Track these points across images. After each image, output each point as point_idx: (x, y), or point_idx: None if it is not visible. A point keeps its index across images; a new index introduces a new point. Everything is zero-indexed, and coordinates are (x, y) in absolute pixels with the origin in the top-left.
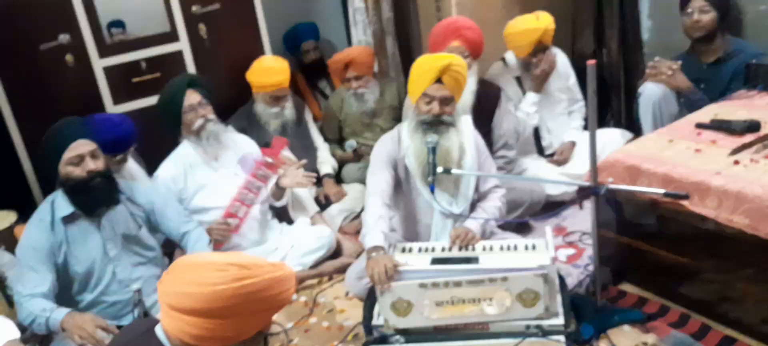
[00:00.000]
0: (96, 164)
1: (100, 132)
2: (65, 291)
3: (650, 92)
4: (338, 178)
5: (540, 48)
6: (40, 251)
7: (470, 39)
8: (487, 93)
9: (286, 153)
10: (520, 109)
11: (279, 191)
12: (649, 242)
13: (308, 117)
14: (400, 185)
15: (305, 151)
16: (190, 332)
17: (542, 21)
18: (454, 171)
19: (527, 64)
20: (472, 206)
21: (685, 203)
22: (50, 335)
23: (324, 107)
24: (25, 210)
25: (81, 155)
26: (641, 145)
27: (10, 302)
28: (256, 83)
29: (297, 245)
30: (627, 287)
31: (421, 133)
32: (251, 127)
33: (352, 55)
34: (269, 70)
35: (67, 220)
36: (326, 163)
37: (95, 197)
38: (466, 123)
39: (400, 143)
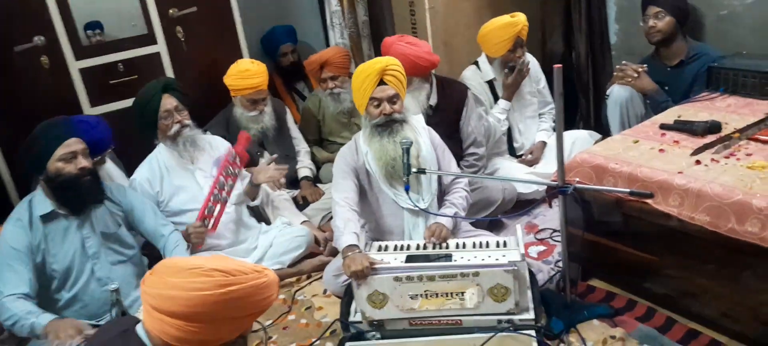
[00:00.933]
0: (87, 162)
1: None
2: (44, 290)
3: (617, 95)
4: (316, 179)
5: (519, 43)
6: (18, 250)
7: (409, 59)
8: (453, 92)
9: (263, 159)
10: (491, 115)
11: (253, 189)
12: (615, 240)
13: (290, 122)
14: (365, 192)
15: (287, 156)
16: (172, 333)
17: (519, 17)
18: (428, 171)
19: (505, 62)
20: (438, 199)
21: (649, 201)
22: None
23: (302, 109)
24: (1, 210)
25: (74, 152)
26: (607, 146)
27: None
28: (234, 87)
29: (275, 244)
30: (595, 283)
31: (378, 136)
32: (230, 132)
33: (326, 56)
34: (246, 73)
35: (46, 218)
36: (304, 167)
37: (83, 194)
38: (417, 120)
39: (358, 152)
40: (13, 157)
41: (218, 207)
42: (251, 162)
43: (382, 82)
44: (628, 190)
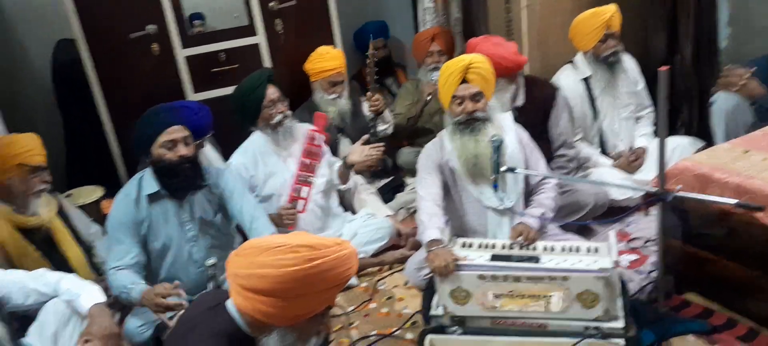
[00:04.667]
0: (187, 150)
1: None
2: (146, 266)
3: (723, 101)
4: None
5: (610, 33)
6: (126, 224)
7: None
8: (542, 93)
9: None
10: None
11: (345, 171)
12: (716, 253)
13: (365, 109)
14: (449, 191)
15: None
16: (264, 310)
17: (609, 6)
18: (517, 170)
19: (596, 56)
20: (525, 199)
21: (758, 215)
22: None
23: (400, 88)
24: (111, 186)
25: (175, 140)
26: (713, 154)
27: (98, 270)
28: (314, 70)
29: (359, 234)
30: (692, 297)
31: (460, 133)
32: (308, 119)
33: (437, 29)
34: (326, 56)
35: (152, 198)
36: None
37: (182, 181)
38: (504, 118)
39: (443, 149)
40: (124, 135)
41: (305, 189)
42: (331, 147)
43: (465, 80)
44: (735, 201)
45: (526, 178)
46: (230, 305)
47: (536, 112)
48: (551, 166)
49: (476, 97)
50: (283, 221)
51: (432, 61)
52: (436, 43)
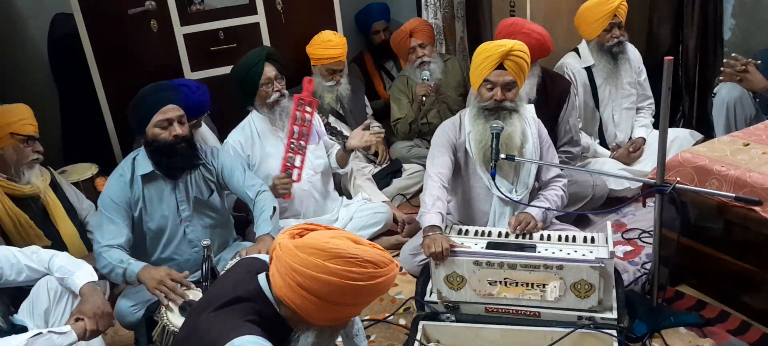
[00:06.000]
0: (182, 130)
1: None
2: (138, 246)
3: (726, 93)
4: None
5: (615, 23)
6: (118, 204)
7: (527, 43)
8: (556, 86)
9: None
10: None
11: (345, 155)
12: (712, 246)
13: (365, 100)
14: (459, 171)
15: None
16: (311, 309)
17: None
18: (517, 158)
19: (601, 44)
20: (532, 195)
21: (756, 209)
22: (124, 283)
23: (391, 92)
24: (106, 164)
25: (170, 119)
26: (713, 147)
27: (89, 245)
28: (316, 55)
29: (355, 218)
30: (685, 289)
31: (483, 119)
32: None
33: (413, 24)
34: (329, 43)
35: (146, 179)
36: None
37: (177, 161)
38: (529, 110)
39: (462, 129)
40: (119, 113)
41: (298, 158)
42: (331, 133)
43: (501, 67)
44: (733, 195)
45: (538, 174)
46: (263, 279)
47: (549, 106)
48: None
49: (509, 86)
50: (278, 191)
51: (417, 57)
52: (416, 38)
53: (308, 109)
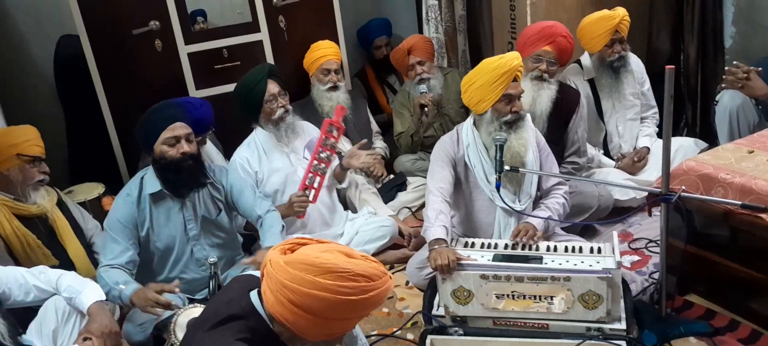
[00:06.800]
0: (190, 147)
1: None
2: (145, 265)
3: (728, 101)
4: (390, 168)
5: (617, 38)
6: (124, 224)
7: (562, 47)
8: (567, 97)
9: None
10: None
11: (342, 172)
12: (720, 254)
13: (369, 114)
14: (460, 185)
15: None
16: (304, 325)
17: (617, 10)
18: (522, 170)
19: (603, 58)
20: (535, 203)
21: (763, 216)
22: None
23: (393, 106)
24: (112, 183)
25: (177, 137)
26: (717, 155)
27: (97, 265)
28: (308, 61)
29: (361, 232)
30: (694, 299)
31: (506, 132)
32: (304, 114)
33: (412, 41)
34: (315, 46)
35: (154, 198)
36: (378, 148)
37: (184, 178)
38: (527, 120)
39: (460, 143)
40: (125, 132)
41: (318, 179)
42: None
43: (514, 79)
44: (739, 202)
45: (539, 182)
46: (255, 297)
47: (560, 115)
48: (559, 172)
49: (521, 95)
50: (294, 209)
51: (415, 74)
52: (414, 55)
53: (335, 134)
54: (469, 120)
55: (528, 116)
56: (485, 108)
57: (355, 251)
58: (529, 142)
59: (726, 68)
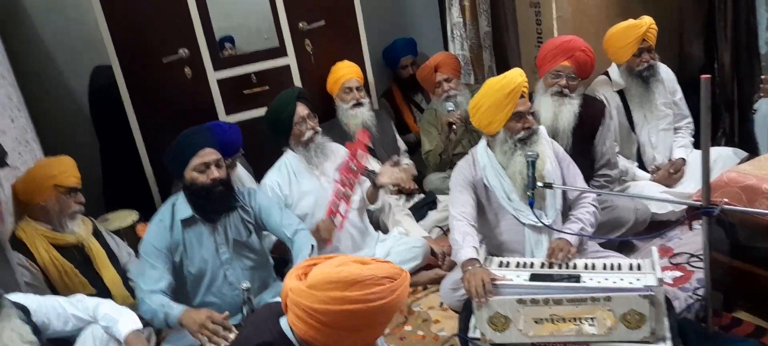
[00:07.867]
0: (219, 173)
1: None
2: (179, 290)
3: (767, 109)
4: (420, 185)
5: (644, 47)
6: (159, 249)
7: (581, 61)
8: (592, 109)
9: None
10: None
11: (374, 191)
12: (766, 269)
13: (396, 134)
14: (483, 208)
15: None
16: (334, 341)
17: (644, 19)
18: (555, 186)
19: (631, 68)
20: (564, 216)
21: None
22: (167, 328)
23: (420, 125)
24: (145, 210)
25: (207, 163)
26: (760, 165)
27: (133, 293)
28: (330, 84)
29: (392, 253)
30: (742, 315)
31: (520, 150)
32: (334, 137)
33: (438, 59)
34: (338, 66)
35: (186, 223)
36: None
37: (215, 203)
38: (542, 131)
39: (476, 165)
40: (158, 159)
41: (343, 204)
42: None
43: (521, 96)
44: None
45: (564, 193)
46: (284, 323)
47: (585, 128)
48: (591, 185)
49: (531, 110)
50: (321, 235)
51: (442, 92)
52: (441, 72)
53: (360, 156)
54: (483, 142)
55: (542, 129)
56: (497, 129)
57: (366, 257)
58: (546, 154)
59: (762, 76)
